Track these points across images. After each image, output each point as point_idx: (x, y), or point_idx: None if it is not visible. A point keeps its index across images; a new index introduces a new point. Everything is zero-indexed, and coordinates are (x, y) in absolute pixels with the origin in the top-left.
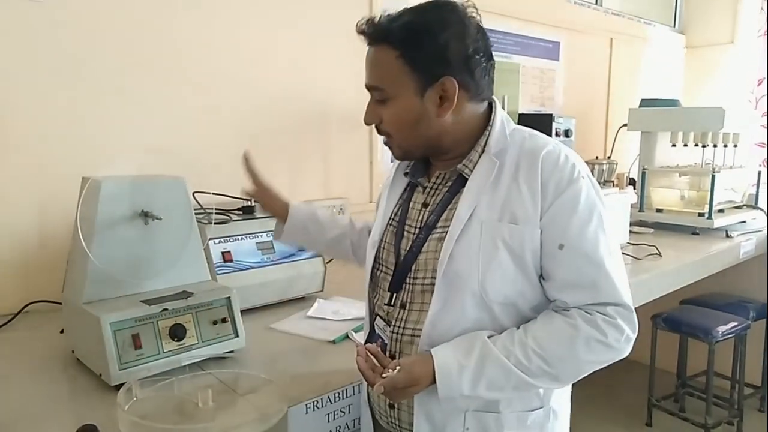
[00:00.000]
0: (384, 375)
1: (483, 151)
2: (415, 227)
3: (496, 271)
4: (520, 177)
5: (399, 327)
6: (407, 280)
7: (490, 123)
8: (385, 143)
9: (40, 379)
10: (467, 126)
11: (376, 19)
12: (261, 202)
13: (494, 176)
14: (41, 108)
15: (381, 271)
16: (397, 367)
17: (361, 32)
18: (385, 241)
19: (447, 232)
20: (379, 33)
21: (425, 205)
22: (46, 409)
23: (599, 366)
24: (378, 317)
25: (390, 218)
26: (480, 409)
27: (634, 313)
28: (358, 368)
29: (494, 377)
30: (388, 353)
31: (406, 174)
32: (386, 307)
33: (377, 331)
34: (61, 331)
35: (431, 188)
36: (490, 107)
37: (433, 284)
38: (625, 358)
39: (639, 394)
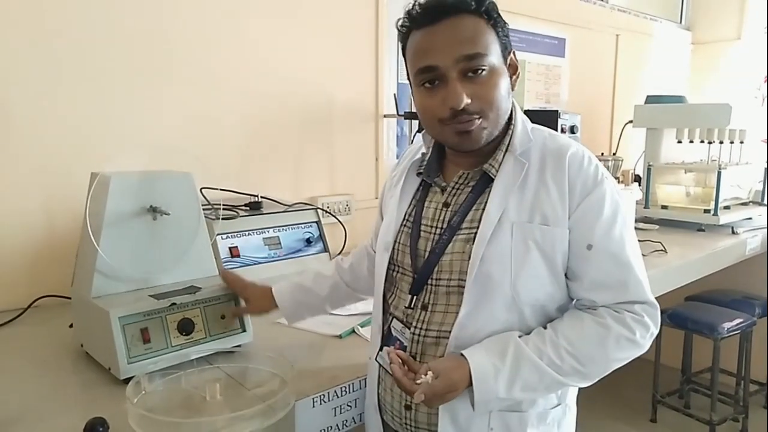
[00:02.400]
0: (418, 381)
1: (507, 150)
2: (435, 227)
3: (529, 274)
4: (548, 177)
5: (421, 329)
6: (429, 281)
7: (513, 121)
8: (461, 131)
9: (49, 372)
10: (505, 117)
11: None
12: (246, 300)
13: (522, 176)
14: (49, 104)
15: (398, 272)
16: (429, 373)
17: (430, 9)
18: (400, 242)
19: (474, 233)
20: (464, 4)
21: (446, 204)
22: (55, 403)
23: (622, 363)
24: (395, 319)
25: (404, 219)
26: (505, 409)
27: (659, 310)
28: (393, 376)
29: (529, 378)
30: (408, 354)
31: (418, 174)
32: (406, 309)
33: (394, 333)
34: (70, 326)
35: (453, 188)
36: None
37: (460, 286)
38: None
39: (644, 391)
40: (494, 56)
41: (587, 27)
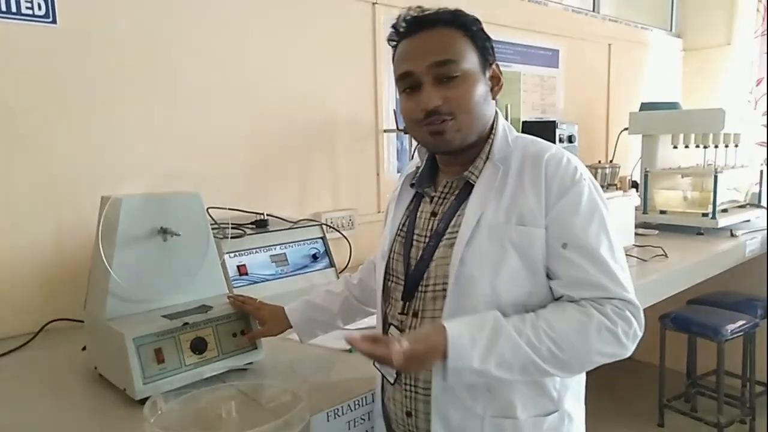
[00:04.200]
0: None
1: (487, 158)
2: (425, 236)
3: (507, 273)
4: (525, 179)
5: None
6: (419, 288)
7: (494, 130)
8: (435, 132)
9: (64, 396)
10: (489, 122)
11: (423, 11)
12: (262, 322)
13: (499, 181)
14: (56, 129)
15: (392, 281)
16: (402, 341)
17: (411, 22)
18: (395, 252)
19: (455, 238)
20: (442, 15)
21: (434, 214)
22: (72, 426)
23: (606, 360)
24: (392, 326)
25: (398, 229)
26: (497, 414)
27: (641, 310)
28: (361, 352)
29: (504, 353)
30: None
31: (412, 185)
32: (399, 316)
33: None
34: (83, 348)
35: (439, 197)
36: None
37: (445, 290)
38: (634, 360)
39: (650, 396)
40: (468, 64)
41: (580, 38)
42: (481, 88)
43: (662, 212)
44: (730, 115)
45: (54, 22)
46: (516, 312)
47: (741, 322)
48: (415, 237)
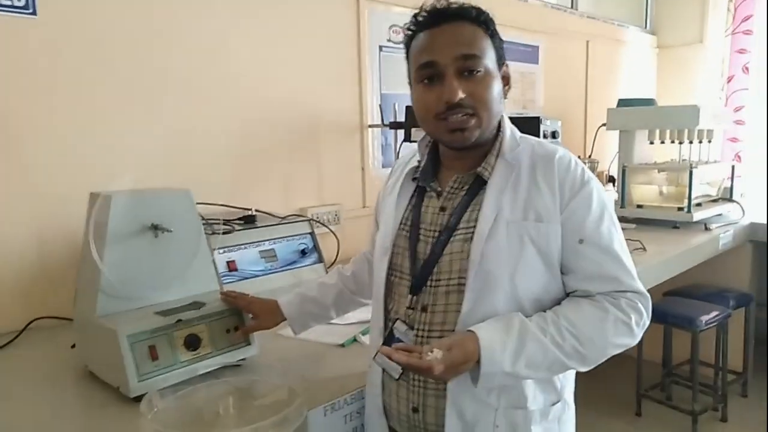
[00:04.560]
0: (427, 358)
1: (498, 154)
2: (432, 230)
3: (526, 268)
4: (539, 178)
5: (424, 330)
6: (429, 282)
7: (502, 129)
8: (455, 126)
9: (56, 394)
10: (497, 120)
11: (448, 4)
12: (255, 316)
13: (513, 178)
14: (39, 124)
15: (395, 276)
16: (435, 350)
17: (434, 13)
18: (398, 246)
19: (471, 233)
20: (467, 10)
21: (443, 209)
22: (67, 424)
23: (619, 350)
24: (398, 321)
25: (401, 223)
26: (510, 406)
27: (650, 301)
28: (400, 364)
29: (533, 354)
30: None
31: (413, 179)
32: (407, 310)
33: (397, 335)
34: (72, 346)
35: (449, 192)
36: None
37: (460, 284)
38: None
39: (628, 386)
40: (489, 61)
41: (559, 34)
42: (499, 87)
43: (639, 206)
44: (704, 112)
45: (34, 13)
46: (532, 305)
47: (714, 313)
48: (421, 232)
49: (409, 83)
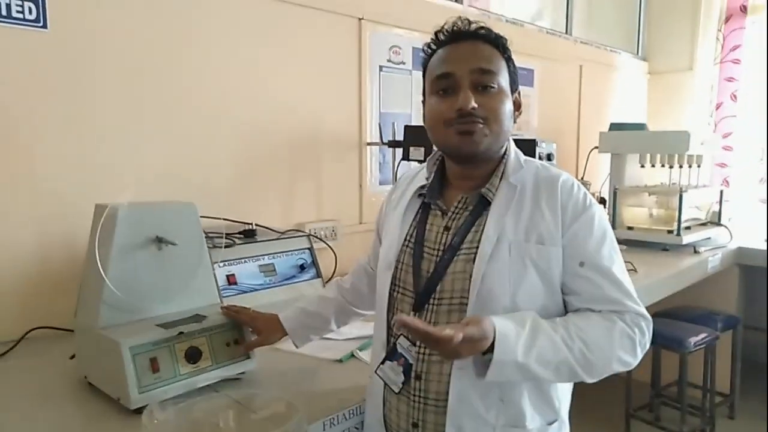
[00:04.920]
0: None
1: (502, 177)
2: (436, 249)
3: (526, 289)
4: (542, 201)
5: (426, 348)
6: (431, 300)
7: (506, 151)
8: (465, 131)
9: (55, 405)
10: (506, 142)
11: (469, 24)
12: (258, 331)
13: (516, 200)
14: (45, 136)
15: (398, 292)
16: (448, 330)
17: (457, 31)
18: (403, 262)
19: (474, 253)
20: (487, 33)
21: (447, 228)
22: None
23: (620, 368)
24: (402, 336)
25: (405, 239)
26: (508, 423)
27: (651, 324)
28: (415, 331)
29: (544, 349)
30: (413, 373)
31: (419, 196)
32: None
33: (400, 350)
34: (72, 357)
35: (453, 212)
36: None
37: (462, 303)
38: None
39: (616, 406)
40: (504, 80)
41: (553, 58)
42: (510, 106)
43: (629, 228)
44: (694, 137)
45: (45, 26)
46: None
47: (703, 335)
48: (425, 249)
49: (423, 101)
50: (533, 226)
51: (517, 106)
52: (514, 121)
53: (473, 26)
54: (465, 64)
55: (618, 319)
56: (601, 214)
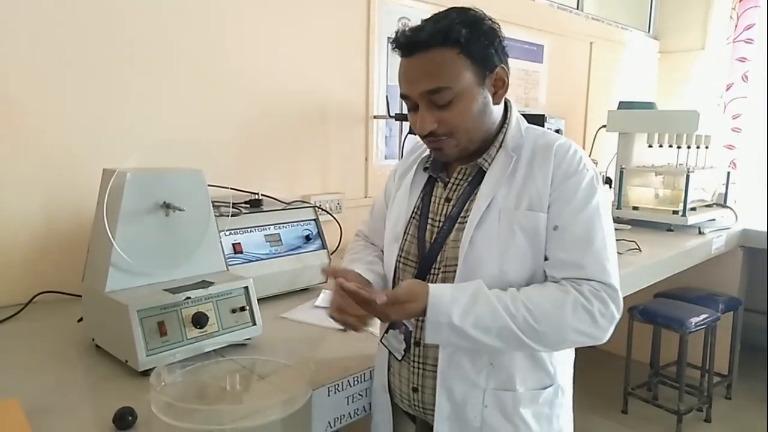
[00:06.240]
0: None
1: (500, 146)
2: (438, 220)
3: (514, 255)
4: (536, 166)
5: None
6: (432, 270)
7: (507, 120)
8: (434, 148)
9: (64, 366)
10: (497, 119)
11: (419, 28)
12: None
13: (511, 168)
14: (50, 101)
15: (401, 262)
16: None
17: (405, 43)
18: (409, 233)
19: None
20: (434, 36)
21: (448, 199)
22: (77, 394)
23: (583, 339)
24: None
25: (413, 212)
26: (498, 387)
27: (620, 294)
28: (347, 290)
29: (482, 315)
30: (413, 339)
31: (425, 169)
32: None
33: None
34: (79, 320)
35: (453, 184)
36: (506, 107)
37: (454, 271)
38: (603, 350)
39: (615, 384)
40: (463, 83)
41: (564, 34)
42: (479, 102)
43: (635, 208)
44: (703, 118)
45: None
46: None
47: (704, 316)
48: (429, 221)
49: None
50: (525, 191)
51: (500, 83)
52: (497, 102)
53: (423, 33)
54: (416, 85)
55: (573, 288)
56: (591, 179)
